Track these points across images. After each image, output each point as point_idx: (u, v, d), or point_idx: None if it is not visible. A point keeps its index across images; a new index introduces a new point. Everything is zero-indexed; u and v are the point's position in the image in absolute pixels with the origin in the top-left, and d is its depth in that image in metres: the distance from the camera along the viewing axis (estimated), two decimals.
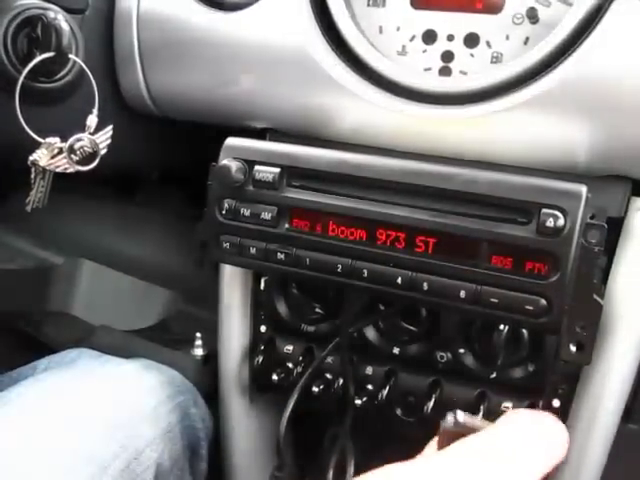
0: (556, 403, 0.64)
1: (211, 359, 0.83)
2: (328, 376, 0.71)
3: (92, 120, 0.68)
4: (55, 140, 0.67)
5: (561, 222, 0.53)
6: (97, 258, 1.13)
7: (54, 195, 0.72)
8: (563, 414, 0.64)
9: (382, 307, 0.68)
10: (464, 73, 0.63)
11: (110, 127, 0.69)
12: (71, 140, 0.67)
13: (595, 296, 0.57)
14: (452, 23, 0.63)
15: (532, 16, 0.61)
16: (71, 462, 0.64)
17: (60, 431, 0.67)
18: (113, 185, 1.13)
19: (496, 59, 0.62)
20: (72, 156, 0.67)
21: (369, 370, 0.70)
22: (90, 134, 0.68)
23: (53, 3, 0.67)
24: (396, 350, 0.69)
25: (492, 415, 0.63)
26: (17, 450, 0.63)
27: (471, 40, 0.63)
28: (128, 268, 1.12)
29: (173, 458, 0.73)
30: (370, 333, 0.69)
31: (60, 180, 0.70)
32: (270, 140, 0.71)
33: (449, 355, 0.67)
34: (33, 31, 0.65)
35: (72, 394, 0.72)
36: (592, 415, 0.63)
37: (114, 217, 1.16)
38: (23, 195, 0.73)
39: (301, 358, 0.72)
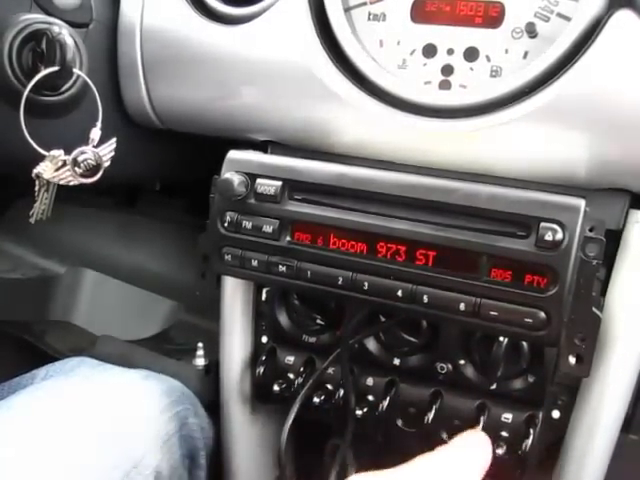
0: (556, 414, 0.65)
1: (213, 369, 0.84)
2: (329, 387, 0.71)
3: (95, 133, 0.68)
4: (59, 153, 0.67)
5: (559, 236, 0.53)
6: (99, 268, 1.14)
7: (56, 205, 0.73)
8: (562, 425, 0.65)
9: (383, 318, 0.69)
10: (464, 87, 0.63)
11: (113, 140, 0.69)
12: (75, 153, 0.67)
13: (594, 309, 0.57)
14: (452, 37, 0.64)
15: (531, 30, 0.61)
16: (69, 471, 0.64)
17: (58, 440, 0.67)
18: (115, 195, 1.14)
19: (495, 73, 0.63)
20: (76, 169, 0.67)
21: (370, 381, 0.70)
22: (94, 147, 0.68)
23: (58, 17, 0.67)
24: (397, 361, 0.69)
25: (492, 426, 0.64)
26: (15, 459, 0.64)
27: (471, 54, 0.63)
28: (130, 278, 1.12)
29: (172, 467, 0.74)
30: (371, 344, 0.70)
31: (62, 190, 0.71)
32: (272, 152, 0.71)
33: (449, 366, 0.67)
34: (38, 45, 0.65)
35: (71, 403, 0.72)
36: (592, 426, 0.63)
37: (116, 227, 1.17)
38: (26, 206, 0.74)
39: (302, 369, 0.72)
